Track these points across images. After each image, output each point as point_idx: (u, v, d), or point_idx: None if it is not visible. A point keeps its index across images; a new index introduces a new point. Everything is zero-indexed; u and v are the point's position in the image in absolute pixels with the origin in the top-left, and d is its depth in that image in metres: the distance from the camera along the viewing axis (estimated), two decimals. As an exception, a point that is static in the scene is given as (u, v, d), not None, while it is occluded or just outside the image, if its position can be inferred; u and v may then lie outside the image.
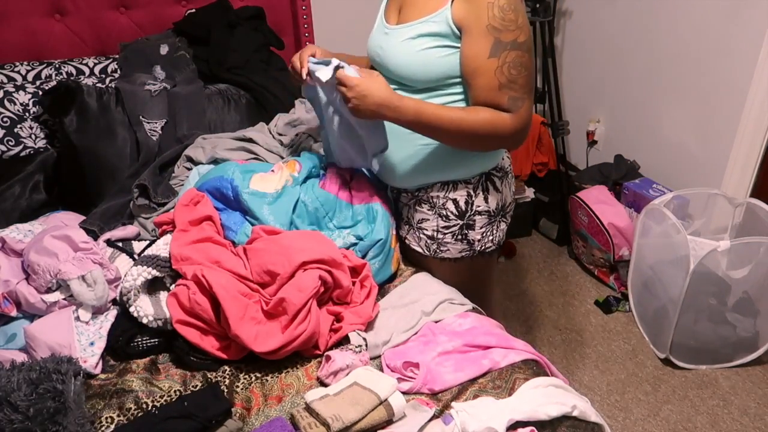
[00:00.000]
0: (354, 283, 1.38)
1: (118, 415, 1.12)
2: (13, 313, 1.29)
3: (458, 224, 1.50)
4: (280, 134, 1.79)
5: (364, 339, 1.29)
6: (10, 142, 1.88)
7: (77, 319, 1.27)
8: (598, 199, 2.64)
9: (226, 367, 1.24)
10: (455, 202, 1.49)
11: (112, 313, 1.31)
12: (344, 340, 1.31)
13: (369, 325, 1.35)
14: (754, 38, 2.15)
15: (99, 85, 1.98)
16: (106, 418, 1.12)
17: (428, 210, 1.52)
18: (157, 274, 1.31)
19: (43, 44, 2.13)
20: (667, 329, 2.23)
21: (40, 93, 1.91)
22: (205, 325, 1.25)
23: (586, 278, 2.79)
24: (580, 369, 2.29)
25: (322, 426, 1.05)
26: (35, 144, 1.91)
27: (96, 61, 2.11)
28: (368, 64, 1.53)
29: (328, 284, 1.32)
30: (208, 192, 1.51)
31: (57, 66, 2.05)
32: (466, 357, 1.26)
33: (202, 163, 1.70)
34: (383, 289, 1.50)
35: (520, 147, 1.48)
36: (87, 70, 2.08)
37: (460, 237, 1.52)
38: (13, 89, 1.91)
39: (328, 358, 1.23)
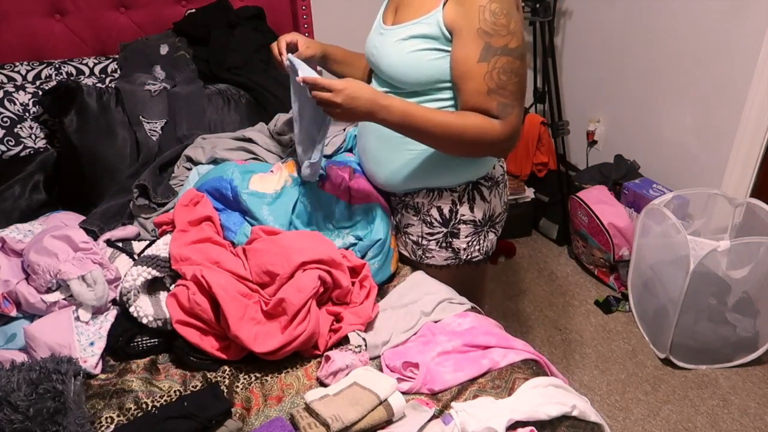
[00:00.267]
0: (353, 284, 1.38)
1: (118, 415, 1.12)
2: (13, 313, 1.29)
3: (442, 232, 1.49)
4: (279, 134, 1.79)
5: (364, 339, 1.29)
6: (10, 142, 1.88)
7: (77, 319, 1.26)
8: (598, 199, 2.64)
9: (226, 368, 1.24)
10: (439, 209, 1.48)
11: (112, 313, 1.31)
12: (344, 341, 1.30)
13: (368, 326, 1.35)
14: (754, 38, 2.15)
15: (99, 85, 1.98)
16: (106, 418, 1.12)
17: (413, 215, 1.51)
18: (157, 274, 1.31)
19: (43, 44, 2.13)
20: (667, 329, 2.23)
21: (40, 93, 1.92)
22: (204, 326, 1.25)
23: (586, 278, 2.79)
24: (580, 369, 2.29)
25: (321, 426, 1.05)
26: (35, 144, 1.91)
27: (96, 61, 2.11)
28: (366, 64, 1.53)
29: (327, 284, 1.32)
30: (207, 192, 1.51)
31: (57, 66, 2.05)
32: (466, 357, 1.26)
33: (202, 163, 1.70)
34: (383, 289, 1.50)
35: (512, 152, 1.46)
36: (87, 70, 2.08)
37: (444, 244, 1.51)
38: (13, 89, 1.91)
39: (328, 358, 1.23)
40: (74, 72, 2.06)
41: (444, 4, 1.27)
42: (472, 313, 1.41)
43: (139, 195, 1.64)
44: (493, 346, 1.29)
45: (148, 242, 1.46)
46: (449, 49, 1.29)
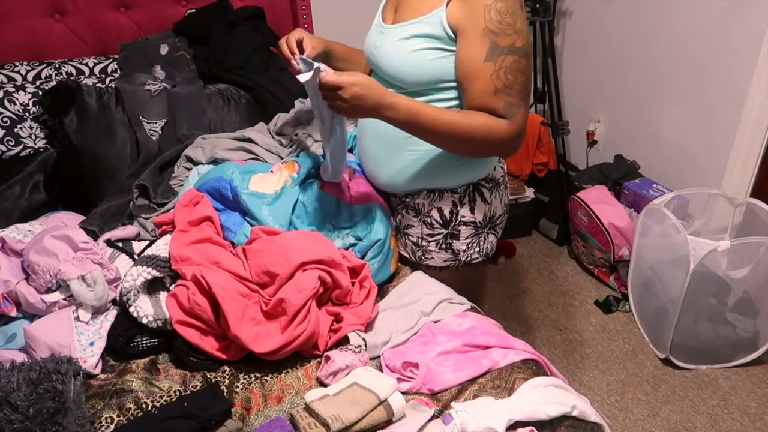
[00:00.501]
0: (353, 284, 1.38)
1: (118, 415, 1.12)
2: (13, 313, 1.29)
3: (442, 233, 1.49)
4: (279, 134, 1.79)
5: (364, 339, 1.29)
6: (10, 142, 1.88)
7: (77, 319, 1.26)
8: (598, 199, 2.64)
9: (226, 368, 1.24)
10: (440, 210, 1.47)
11: (112, 313, 1.31)
12: (344, 341, 1.30)
13: (368, 326, 1.35)
14: (754, 38, 2.15)
15: (99, 85, 1.98)
16: (106, 418, 1.12)
17: (414, 216, 1.51)
18: (157, 274, 1.31)
19: (43, 44, 2.13)
20: (667, 329, 2.23)
21: (40, 93, 1.91)
22: (204, 326, 1.25)
23: (586, 278, 2.79)
24: (580, 369, 2.29)
25: (321, 426, 1.05)
26: (35, 144, 1.91)
27: (96, 61, 2.11)
28: (365, 63, 1.53)
29: (327, 285, 1.32)
30: (207, 192, 1.51)
31: (57, 66, 2.05)
32: (466, 357, 1.26)
33: (202, 163, 1.70)
34: (383, 289, 1.50)
35: (516, 152, 1.46)
36: (87, 70, 2.08)
37: (444, 246, 1.50)
38: (13, 89, 1.91)
39: (328, 358, 1.23)
40: (74, 72, 2.06)
41: (447, 3, 1.26)
42: (472, 313, 1.41)
43: (139, 195, 1.64)
44: (493, 346, 1.29)
45: (148, 242, 1.46)
46: (452, 48, 1.28)
